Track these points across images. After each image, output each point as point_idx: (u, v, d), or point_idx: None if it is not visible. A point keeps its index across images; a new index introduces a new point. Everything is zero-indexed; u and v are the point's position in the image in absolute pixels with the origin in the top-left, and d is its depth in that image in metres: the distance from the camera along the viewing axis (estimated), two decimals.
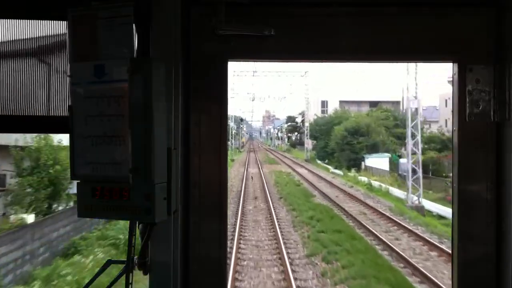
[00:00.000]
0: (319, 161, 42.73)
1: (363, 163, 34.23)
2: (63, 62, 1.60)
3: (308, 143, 47.57)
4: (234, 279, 10.31)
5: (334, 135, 38.75)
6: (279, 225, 15.72)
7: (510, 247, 1.56)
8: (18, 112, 1.61)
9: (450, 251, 1.96)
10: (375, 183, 25.85)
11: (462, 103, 1.63)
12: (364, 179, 27.88)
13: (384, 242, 13.31)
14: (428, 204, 20.11)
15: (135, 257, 1.48)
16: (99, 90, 1.35)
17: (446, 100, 40.80)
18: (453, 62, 1.67)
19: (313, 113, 51.50)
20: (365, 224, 15.73)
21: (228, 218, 1.74)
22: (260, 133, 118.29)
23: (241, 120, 76.08)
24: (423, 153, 24.55)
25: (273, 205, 19.30)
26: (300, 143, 62.73)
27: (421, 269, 10.84)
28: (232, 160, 41.50)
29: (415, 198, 20.93)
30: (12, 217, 14.02)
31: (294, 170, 34.73)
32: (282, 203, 20.52)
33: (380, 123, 37.43)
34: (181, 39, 1.53)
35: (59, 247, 13.31)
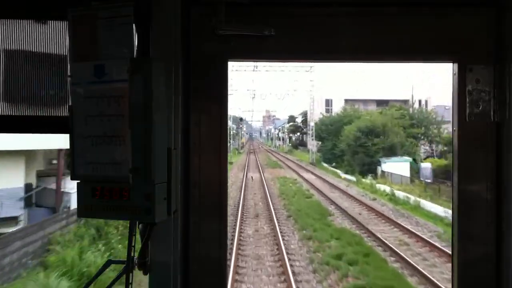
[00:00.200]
0: (325, 164, 38.50)
1: (379, 168, 29.38)
2: (63, 62, 1.60)
3: (313, 145, 43.49)
4: None
5: (345, 135, 34.01)
6: (292, 270, 10.25)
7: (510, 247, 1.56)
8: (18, 112, 1.61)
9: None
10: (399, 193, 21.03)
11: (462, 103, 1.63)
12: (384, 187, 23.08)
13: None
14: None
15: (135, 257, 1.48)
16: (99, 90, 1.35)
17: None
18: (453, 62, 1.67)
19: (317, 112, 47.34)
20: (421, 269, 10.16)
21: (228, 218, 1.74)
22: (260, 133, 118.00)
23: (241, 120, 73.57)
24: (445, 157, 22.78)
25: (279, 228, 14.44)
26: (302, 144, 60.27)
27: None
28: (231, 163, 35.24)
29: None
30: None
31: (299, 175, 30.32)
32: (292, 225, 15.52)
33: (395, 122, 32.74)
34: (181, 39, 1.53)
35: None
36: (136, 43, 1.43)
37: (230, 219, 14.91)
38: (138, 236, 1.50)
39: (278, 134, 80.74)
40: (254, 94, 47.67)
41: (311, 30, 1.67)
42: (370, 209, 18.14)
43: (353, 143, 32.40)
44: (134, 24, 1.38)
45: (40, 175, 16.58)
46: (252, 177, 29.86)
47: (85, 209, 1.39)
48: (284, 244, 12.49)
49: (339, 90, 47.78)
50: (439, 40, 1.66)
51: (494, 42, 1.62)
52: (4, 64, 1.60)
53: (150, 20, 1.50)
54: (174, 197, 1.42)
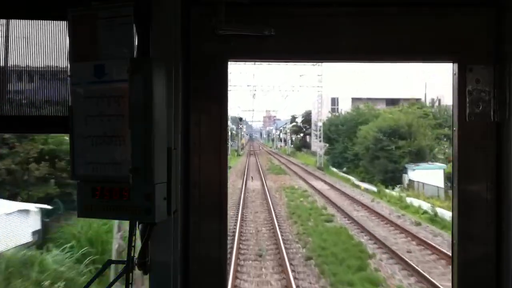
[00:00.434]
0: (334, 169, 33.62)
1: (405, 176, 23.84)
2: (64, 62, 1.60)
3: (320, 147, 38.24)
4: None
5: (362, 136, 28.75)
6: None
7: (510, 247, 1.56)
8: (18, 112, 1.61)
9: None
10: (442, 212, 15.41)
11: (462, 103, 1.63)
12: (417, 202, 17.68)
13: None
14: None
15: (135, 257, 1.48)
16: (99, 90, 1.35)
17: None
18: (453, 62, 1.67)
19: (318, 112, 42.80)
20: None
21: (228, 218, 1.74)
22: (261, 134, 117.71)
23: (240, 120, 69.34)
24: None
25: None
26: (306, 145, 56.63)
27: None
28: (229, 168, 28.55)
29: None
30: None
31: (309, 184, 25.10)
32: (317, 279, 9.82)
33: (421, 122, 27.28)
34: (181, 39, 1.53)
35: None
36: (136, 43, 1.43)
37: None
38: (138, 236, 1.50)
39: (279, 135, 78.72)
40: (255, 90, 42.77)
41: (311, 30, 1.67)
42: (419, 240, 12.55)
43: (372, 145, 26.86)
44: (134, 24, 1.38)
45: None
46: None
47: (85, 209, 1.39)
48: None
49: (344, 88, 43.61)
50: (439, 40, 1.66)
51: (494, 42, 1.62)
52: (4, 64, 1.60)
53: (150, 20, 1.50)
54: (174, 197, 1.42)
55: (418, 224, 14.76)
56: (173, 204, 1.42)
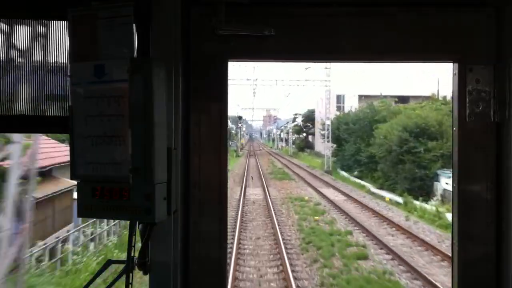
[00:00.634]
0: (343, 173, 29.93)
1: (438, 184, 19.96)
2: (64, 62, 1.60)
3: (328, 148, 34.36)
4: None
5: (381, 136, 24.61)
6: None
7: (510, 247, 1.56)
8: (18, 112, 1.61)
9: None
10: None
11: (462, 103, 1.63)
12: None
13: None
14: None
15: (135, 257, 1.48)
16: (99, 90, 1.35)
17: None
18: (453, 62, 1.67)
19: (326, 109, 38.03)
20: None
21: (227, 218, 1.74)
22: (261, 134, 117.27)
23: (240, 118, 65.56)
24: None
25: None
26: (309, 146, 54.11)
27: None
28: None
29: None
30: None
31: (319, 192, 21.55)
32: None
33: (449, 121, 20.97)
34: (181, 39, 1.53)
35: None
36: (136, 43, 1.43)
37: None
38: (138, 236, 1.50)
39: (280, 134, 75.85)
40: (256, 85, 38.69)
41: (311, 30, 1.67)
42: None
43: (396, 147, 22.62)
44: (134, 24, 1.38)
45: None
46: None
47: (85, 209, 1.39)
48: None
49: (349, 85, 39.58)
50: (439, 40, 1.66)
51: (494, 42, 1.62)
52: (4, 63, 1.60)
53: (150, 20, 1.50)
54: (174, 197, 1.42)
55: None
56: (173, 204, 1.42)
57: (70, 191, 13.36)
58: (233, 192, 20.33)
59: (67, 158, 1.43)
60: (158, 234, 1.45)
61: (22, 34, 1.60)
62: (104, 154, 1.35)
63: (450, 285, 1.72)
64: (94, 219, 12.51)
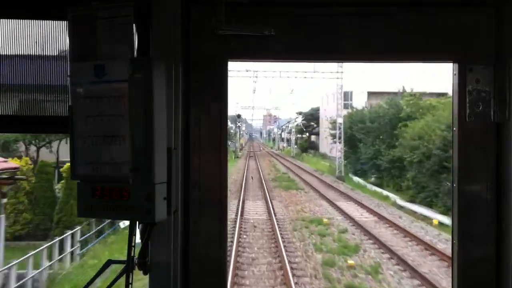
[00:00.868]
0: (357, 179, 26.14)
1: None
2: (64, 62, 1.60)
3: (340, 150, 29.60)
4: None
5: (413, 137, 20.30)
6: None
7: (510, 247, 1.56)
8: (18, 112, 1.61)
9: None
10: None
11: (462, 103, 1.63)
12: None
13: None
14: None
15: (135, 257, 1.48)
16: (99, 90, 1.35)
17: None
18: (453, 62, 1.67)
19: (332, 107, 34.04)
20: None
21: (228, 218, 1.74)
22: (261, 133, 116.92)
23: (239, 117, 60.87)
24: None
25: None
26: (312, 146, 50.18)
27: None
28: None
29: None
30: None
31: (337, 207, 17.31)
32: None
33: None
34: (181, 39, 1.53)
35: None
36: (136, 43, 1.43)
37: None
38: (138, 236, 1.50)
39: (281, 134, 73.16)
40: (256, 77, 32.90)
41: (311, 30, 1.67)
42: None
43: (439, 151, 17.89)
44: (134, 24, 1.38)
45: None
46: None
47: (85, 209, 1.39)
48: None
49: (359, 82, 34.17)
50: (439, 40, 1.66)
51: (494, 42, 1.63)
52: (4, 63, 1.60)
53: (150, 20, 1.50)
54: (174, 197, 1.42)
55: None
56: (173, 204, 1.42)
57: None
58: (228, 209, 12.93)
59: None
60: (158, 234, 1.45)
61: (22, 34, 1.60)
62: (104, 154, 1.35)
63: (451, 285, 1.72)
64: None
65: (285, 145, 67.08)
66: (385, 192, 21.01)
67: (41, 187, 17.00)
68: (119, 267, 1.48)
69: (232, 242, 11.85)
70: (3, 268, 10.89)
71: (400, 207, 17.69)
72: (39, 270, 11.80)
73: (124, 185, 1.32)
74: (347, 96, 36.92)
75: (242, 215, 15.76)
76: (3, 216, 12.34)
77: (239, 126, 61.45)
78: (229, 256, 10.62)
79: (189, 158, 1.64)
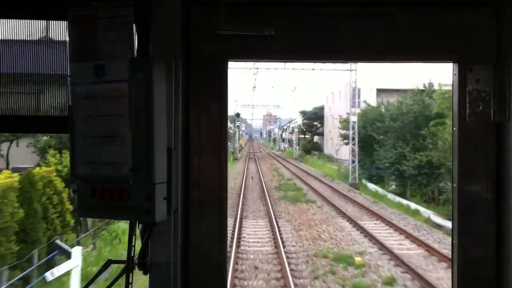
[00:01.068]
0: (373, 186, 22.72)
1: None
2: (64, 62, 1.60)
3: (352, 152, 26.43)
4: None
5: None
6: None
7: (510, 247, 1.56)
8: (18, 112, 1.61)
9: None
10: None
11: (462, 103, 1.63)
12: None
13: None
14: None
15: (135, 257, 1.48)
16: (99, 90, 1.35)
17: None
18: (453, 62, 1.67)
19: (336, 106, 32.46)
20: None
21: (228, 218, 1.74)
22: (261, 133, 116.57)
23: (238, 115, 57.63)
24: None
25: None
26: (316, 147, 48.13)
27: None
28: None
29: None
30: None
31: (363, 231, 13.47)
32: None
33: None
34: (181, 39, 1.53)
35: None
36: (136, 43, 1.43)
37: None
38: (138, 236, 1.50)
39: (282, 134, 71.67)
40: (257, 68, 29.69)
41: (311, 30, 1.67)
42: None
43: None
44: (134, 24, 1.38)
45: None
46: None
47: (85, 209, 1.39)
48: None
49: (367, 78, 30.55)
50: (439, 40, 1.66)
51: (494, 42, 1.63)
52: (4, 63, 1.60)
53: (150, 20, 1.50)
54: (174, 197, 1.42)
55: None
56: (173, 204, 1.42)
57: None
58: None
59: None
60: (158, 234, 1.45)
61: (22, 34, 1.60)
62: (104, 154, 1.35)
63: (451, 285, 1.71)
64: None
65: (286, 145, 65.17)
66: (412, 205, 17.51)
67: None
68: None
69: None
70: None
71: (438, 226, 14.32)
72: None
73: (124, 185, 1.32)
74: (354, 93, 32.31)
75: (238, 243, 11.69)
76: None
77: (238, 125, 59.16)
78: None
79: (189, 158, 1.64)
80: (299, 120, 52.78)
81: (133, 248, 1.49)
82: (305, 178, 26.61)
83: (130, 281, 1.45)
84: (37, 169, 13.58)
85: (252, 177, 24.73)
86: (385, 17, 1.67)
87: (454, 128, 1.66)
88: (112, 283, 1.50)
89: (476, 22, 1.64)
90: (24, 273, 10.44)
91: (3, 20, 1.59)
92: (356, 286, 9.17)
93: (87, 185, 1.37)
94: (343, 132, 31.29)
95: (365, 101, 29.99)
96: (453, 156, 1.69)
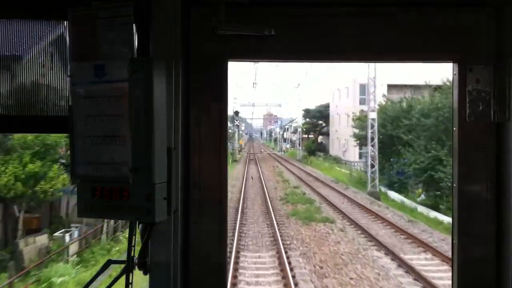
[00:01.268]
0: (397, 196, 19.77)
1: None
2: (63, 62, 1.60)
3: (372, 154, 22.79)
4: None
5: None
6: None
7: (510, 247, 1.56)
8: (18, 112, 1.61)
9: None
10: None
11: (462, 103, 1.63)
12: None
13: None
14: None
15: (135, 257, 1.48)
16: (99, 90, 1.35)
17: None
18: (453, 62, 1.67)
19: (343, 104, 30.38)
20: None
21: (228, 218, 1.74)
22: (261, 133, 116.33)
23: (237, 114, 54.30)
24: None
25: None
26: (321, 148, 45.74)
27: None
28: None
29: None
30: None
31: (412, 271, 9.41)
32: None
33: None
34: (181, 39, 1.53)
35: None
36: (136, 43, 1.43)
37: None
38: (138, 236, 1.50)
39: (283, 134, 69.86)
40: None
41: (311, 30, 1.67)
42: None
43: None
44: (134, 24, 1.38)
45: None
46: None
47: (85, 209, 1.39)
48: None
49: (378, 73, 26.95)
50: (439, 40, 1.66)
51: (494, 42, 1.63)
52: (4, 63, 1.60)
53: (150, 20, 1.50)
54: (174, 197, 1.42)
55: None
56: (173, 204, 1.42)
57: None
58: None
59: None
60: (158, 234, 1.45)
61: (22, 34, 1.60)
62: (104, 154, 1.35)
63: (451, 285, 1.71)
64: None
65: (288, 146, 63.52)
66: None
67: None
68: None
69: None
70: None
71: None
72: None
73: (124, 185, 1.32)
74: (362, 89, 30.84)
75: (236, 277, 9.08)
76: None
77: (237, 125, 56.12)
78: None
79: (189, 158, 1.64)
80: (302, 119, 49.89)
81: (133, 248, 1.49)
82: (314, 185, 22.87)
83: (130, 281, 1.45)
84: None
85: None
86: (385, 17, 1.67)
87: (454, 128, 1.66)
88: (112, 283, 1.50)
89: (476, 22, 1.64)
90: None
91: (3, 20, 1.59)
92: None
93: (87, 185, 1.37)
94: (356, 131, 28.15)
95: (384, 95, 26.88)
96: (453, 156, 1.69)
